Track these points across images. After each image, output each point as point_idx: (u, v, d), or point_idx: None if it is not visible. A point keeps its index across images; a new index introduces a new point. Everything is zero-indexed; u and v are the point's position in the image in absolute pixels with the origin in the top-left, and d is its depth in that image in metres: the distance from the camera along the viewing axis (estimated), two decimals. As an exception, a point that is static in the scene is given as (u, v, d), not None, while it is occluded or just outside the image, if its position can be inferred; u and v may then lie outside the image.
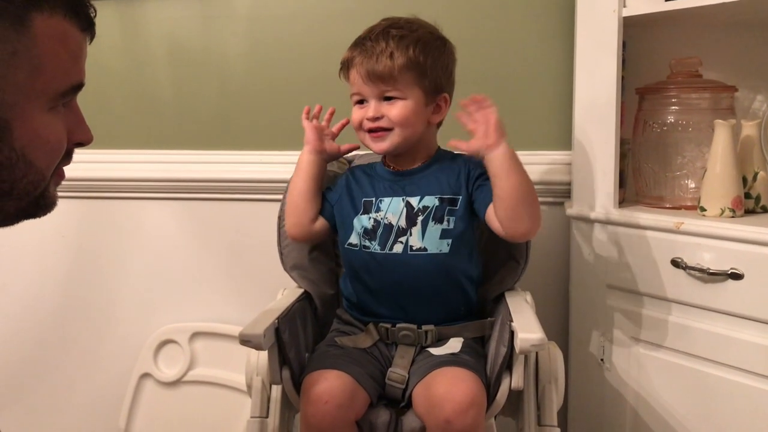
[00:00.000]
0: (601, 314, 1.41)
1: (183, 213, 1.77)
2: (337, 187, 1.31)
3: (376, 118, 1.19)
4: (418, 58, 1.17)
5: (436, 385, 1.08)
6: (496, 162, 1.13)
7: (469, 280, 1.24)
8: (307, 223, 1.28)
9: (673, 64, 1.39)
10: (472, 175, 1.21)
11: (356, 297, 1.26)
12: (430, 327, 1.21)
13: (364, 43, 1.20)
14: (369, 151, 1.27)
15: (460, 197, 1.20)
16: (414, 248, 1.19)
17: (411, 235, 1.19)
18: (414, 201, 1.21)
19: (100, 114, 1.73)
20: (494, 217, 1.16)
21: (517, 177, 1.13)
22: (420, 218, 1.19)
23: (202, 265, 1.78)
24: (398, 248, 1.19)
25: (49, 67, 0.73)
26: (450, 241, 1.19)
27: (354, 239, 1.23)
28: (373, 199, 1.24)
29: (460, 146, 1.18)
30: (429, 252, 1.19)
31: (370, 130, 1.21)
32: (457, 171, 1.22)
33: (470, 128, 1.15)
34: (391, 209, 1.21)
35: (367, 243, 1.21)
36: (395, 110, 1.18)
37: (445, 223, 1.19)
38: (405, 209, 1.20)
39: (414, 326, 1.21)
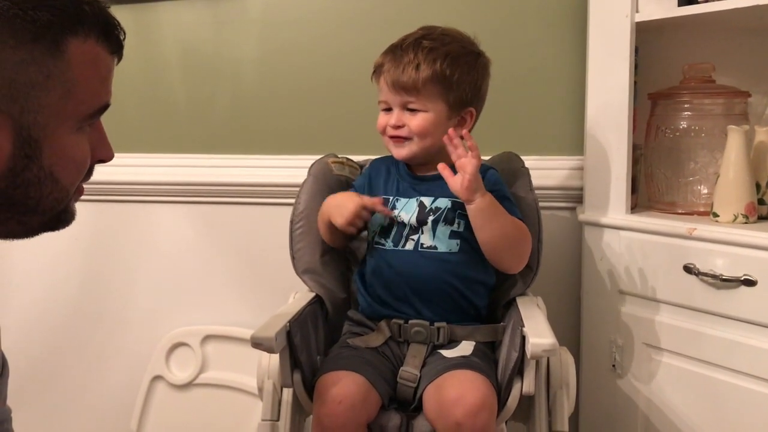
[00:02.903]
0: (613, 320, 1.40)
1: (195, 216, 1.78)
2: (361, 184, 1.33)
3: (397, 126, 1.22)
4: (445, 71, 1.19)
5: (448, 388, 1.08)
6: (470, 215, 1.18)
7: (481, 284, 1.25)
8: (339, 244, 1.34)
9: (686, 70, 1.38)
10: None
11: (372, 288, 1.26)
12: (443, 324, 1.21)
13: (395, 51, 1.23)
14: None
15: None
16: (425, 245, 1.22)
17: (422, 233, 1.22)
18: (427, 201, 1.24)
19: (114, 118, 1.73)
20: None
21: (493, 230, 1.17)
22: (431, 218, 1.22)
23: (214, 269, 1.79)
24: (410, 245, 1.23)
25: (81, 90, 0.75)
26: (459, 241, 1.22)
27: (368, 234, 1.27)
28: (391, 197, 1.27)
29: (444, 176, 1.17)
30: (439, 250, 1.21)
31: (392, 136, 1.24)
32: None
33: (455, 164, 1.16)
34: (406, 208, 1.24)
35: (381, 240, 1.25)
36: (415, 121, 1.21)
37: (455, 225, 1.22)
38: (417, 208, 1.23)
39: (426, 323, 1.22)
